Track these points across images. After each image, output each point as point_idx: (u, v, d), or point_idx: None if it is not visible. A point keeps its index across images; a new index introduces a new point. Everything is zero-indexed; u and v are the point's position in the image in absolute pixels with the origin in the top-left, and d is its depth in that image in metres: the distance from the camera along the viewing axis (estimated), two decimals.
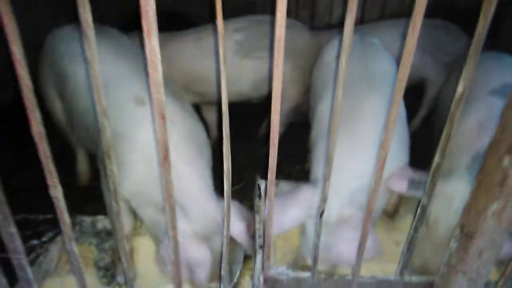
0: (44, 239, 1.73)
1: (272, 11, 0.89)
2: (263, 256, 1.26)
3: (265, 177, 1.10)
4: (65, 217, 1.04)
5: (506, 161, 0.96)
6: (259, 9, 3.39)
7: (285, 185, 1.81)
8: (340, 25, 0.84)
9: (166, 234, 1.57)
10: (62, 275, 1.74)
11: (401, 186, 1.45)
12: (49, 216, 1.85)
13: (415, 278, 1.33)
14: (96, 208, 1.85)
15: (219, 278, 1.47)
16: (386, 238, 1.86)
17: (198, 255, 1.52)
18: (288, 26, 2.76)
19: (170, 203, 1.02)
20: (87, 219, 1.84)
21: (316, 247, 1.13)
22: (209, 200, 1.54)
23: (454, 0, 3.30)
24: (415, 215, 1.14)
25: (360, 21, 3.28)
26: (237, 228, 1.52)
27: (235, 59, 2.44)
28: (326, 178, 1.02)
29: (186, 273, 1.53)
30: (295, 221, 1.48)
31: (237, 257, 1.60)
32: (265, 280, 1.21)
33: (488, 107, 1.63)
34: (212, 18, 0.88)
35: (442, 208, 1.46)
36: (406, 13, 2.85)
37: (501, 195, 1.00)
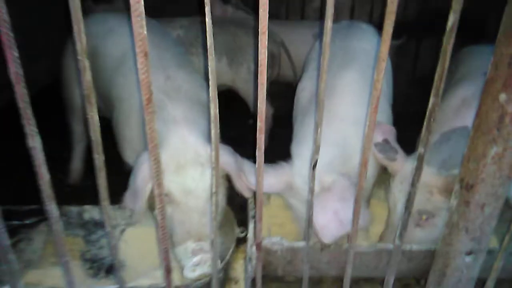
0: (27, 222, 1.65)
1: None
2: (255, 226, 1.20)
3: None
4: (43, 171, 0.98)
5: (502, 98, 0.93)
6: None
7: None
8: None
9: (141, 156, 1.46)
10: (45, 267, 1.65)
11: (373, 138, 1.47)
12: (34, 206, 1.78)
13: (415, 246, 1.26)
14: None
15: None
16: (383, 223, 1.79)
17: (141, 181, 1.43)
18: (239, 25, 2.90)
19: (154, 155, 0.97)
20: (74, 209, 1.77)
21: (309, 206, 1.08)
22: (192, 131, 1.47)
23: (441, 4, 3.38)
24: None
25: None
26: (228, 162, 1.44)
27: None
28: (318, 124, 0.98)
29: (130, 200, 1.50)
30: (271, 188, 1.49)
31: (229, 237, 1.53)
32: (257, 248, 1.14)
33: (476, 86, 1.63)
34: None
35: (397, 187, 1.47)
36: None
37: (499, 137, 0.97)
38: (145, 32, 0.86)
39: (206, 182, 1.42)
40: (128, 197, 1.53)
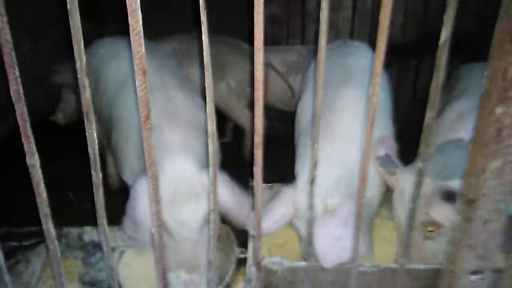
0: (25, 243, 1.63)
1: None
2: (255, 245, 1.18)
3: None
4: (40, 189, 0.98)
5: (498, 111, 0.93)
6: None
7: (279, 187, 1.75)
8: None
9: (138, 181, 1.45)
10: None
11: (376, 152, 1.46)
12: (34, 228, 1.77)
13: (420, 266, 1.23)
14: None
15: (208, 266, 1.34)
16: (389, 241, 1.75)
17: (140, 214, 1.41)
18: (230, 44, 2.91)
19: (152, 171, 0.97)
20: (73, 231, 1.75)
21: (309, 224, 1.06)
22: (187, 161, 1.46)
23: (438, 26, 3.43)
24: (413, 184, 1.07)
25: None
26: (225, 200, 1.43)
27: None
28: (314, 141, 0.98)
29: (130, 228, 1.50)
30: (282, 219, 1.46)
31: (230, 258, 1.50)
32: (257, 268, 1.12)
33: (472, 100, 1.63)
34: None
35: (397, 202, 1.45)
36: (394, 36, 2.95)
37: (498, 150, 0.96)
38: (143, 50, 0.88)
39: (199, 213, 1.43)
40: (128, 225, 1.52)
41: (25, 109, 0.92)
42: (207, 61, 0.89)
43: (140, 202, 1.41)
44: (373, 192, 1.50)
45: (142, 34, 0.86)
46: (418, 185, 1.04)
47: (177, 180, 1.41)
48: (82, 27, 0.84)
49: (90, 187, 1.05)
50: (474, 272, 1.12)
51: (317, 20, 3.38)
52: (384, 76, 1.81)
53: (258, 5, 0.83)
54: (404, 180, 1.39)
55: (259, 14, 0.84)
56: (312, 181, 1.03)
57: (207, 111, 0.94)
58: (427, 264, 1.25)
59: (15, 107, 0.90)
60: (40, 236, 1.68)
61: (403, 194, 1.38)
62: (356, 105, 1.59)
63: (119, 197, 2.47)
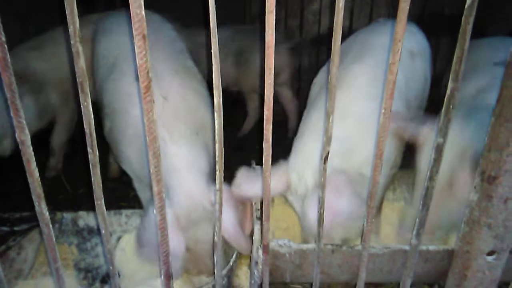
0: (17, 228, 1.56)
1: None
2: (261, 227, 1.12)
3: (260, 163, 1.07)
4: (32, 168, 0.90)
5: None
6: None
7: None
8: (330, 34, 0.83)
9: (148, 211, 1.43)
10: (36, 277, 1.55)
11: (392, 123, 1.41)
12: (26, 213, 1.69)
13: (432, 247, 1.19)
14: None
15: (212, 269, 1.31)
16: (394, 225, 1.71)
17: (171, 246, 1.37)
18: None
19: (153, 149, 0.90)
20: (67, 216, 1.68)
21: (321, 203, 1.00)
22: (196, 182, 1.41)
23: (440, 7, 3.36)
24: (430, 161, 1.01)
25: (348, 30, 3.30)
26: (226, 219, 1.38)
27: None
28: (329, 113, 0.91)
29: (145, 254, 1.43)
30: (272, 190, 1.39)
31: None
32: (264, 251, 1.05)
33: (489, 76, 1.57)
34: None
35: (423, 158, 1.40)
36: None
37: None
38: (143, 13, 0.79)
39: (211, 230, 1.47)
40: (144, 250, 1.44)
41: (13, 79, 0.83)
42: (215, 49, 0.82)
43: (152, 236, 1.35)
44: (383, 172, 1.44)
45: None
46: (437, 162, 0.98)
47: (191, 207, 1.40)
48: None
49: (84, 173, 0.97)
50: (490, 253, 1.07)
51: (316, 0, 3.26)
52: (416, 56, 1.71)
53: None
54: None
55: None
56: (325, 158, 0.96)
57: (214, 83, 0.86)
58: (439, 245, 1.20)
59: (2, 75, 0.82)
60: (32, 222, 1.60)
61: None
62: (362, 80, 1.52)
63: (117, 183, 2.41)
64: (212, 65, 0.87)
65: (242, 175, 1.45)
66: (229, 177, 1.54)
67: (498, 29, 2.73)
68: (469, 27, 0.85)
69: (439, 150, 0.97)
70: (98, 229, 1.71)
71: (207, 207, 1.42)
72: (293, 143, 1.57)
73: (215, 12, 0.84)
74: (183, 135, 1.47)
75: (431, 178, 1.03)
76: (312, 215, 1.31)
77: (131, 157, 1.59)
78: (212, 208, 1.42)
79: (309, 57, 3.53)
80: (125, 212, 1.72)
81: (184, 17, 2.87)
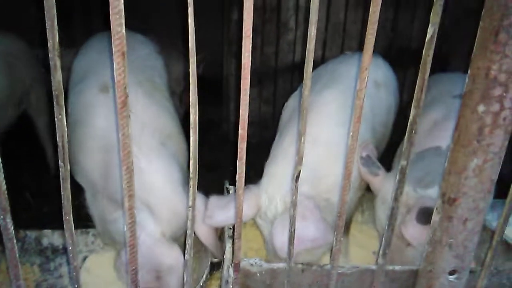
0: None
1: None
2: (233, 246, 1.13)
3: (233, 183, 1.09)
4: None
5: (481, 109, 0.94)
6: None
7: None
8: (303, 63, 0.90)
9: (124, 243, 1.40)
10: None
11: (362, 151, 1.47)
12: None
13: (398, 267, 1.23)
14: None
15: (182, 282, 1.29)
16: (364, 247, 1.75)
17: (170, 259, 1.35)
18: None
19: (126, 164, 0.90)
20: (31, 234, 1.62)
21: (292, 221, 1.02)
22: (178, 197, 1.41)
23: (407, 42, 3.57)
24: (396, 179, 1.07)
25: (321, 59, 3.44)
26: (204, 229, 1.39)
27: None
28: (302, 133, 0.95)
29: (153, 282, 1.34)
30: (244, 216, 1.43)
31: (203, 263, 1.43)
32: (235, 269, 1.06)
33: (447, 108, 1.68)
34: None
35: (380, 208, 1.47)
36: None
37: (479, 148, 0.97)
38: (124, 31, 0.82)
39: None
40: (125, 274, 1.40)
41: None
42: (192, 44, 0.85)
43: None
44: (350, 195, 1.49)
45: (122, 13, 0.80)
46: (401, 184, 1.03)
47: (177, 221, 1.42)
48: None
49: (49, 190, 0.96)
50: (452, 272, 1.12)
51: (292, 30, 3.39)
52: (381, 89, 1.81)
53: None
54: (388, 185, 1.40)
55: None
56: (297, 177, 1.00)
57: (191, 99, 0.89)
58: (405, 266, 1.24)
59: None
60: None
61: (386, 199, 1.39)
62: (332, 107, 1.59)
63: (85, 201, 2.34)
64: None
65: (213, 204, 1.45)
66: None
67: (460, 65, 2.92)
68: (429, 59, 0.92)
69: (402, 172, 1.02)
70: (63, 248, 1.65)
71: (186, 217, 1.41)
72: (265, 166, 1.60)
73: (194, 33, 0.87)
74: (151, 148, 1.48)
75: (396, 199, 1.08)
76: (278, 241, 1.32)
77: (89, 168, 1.56)
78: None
79: (283, 83, 3.63)
80: (92, 231, 1.68)
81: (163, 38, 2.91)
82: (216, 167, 3.08)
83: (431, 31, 0.90)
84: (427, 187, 1.35)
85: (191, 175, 0.96)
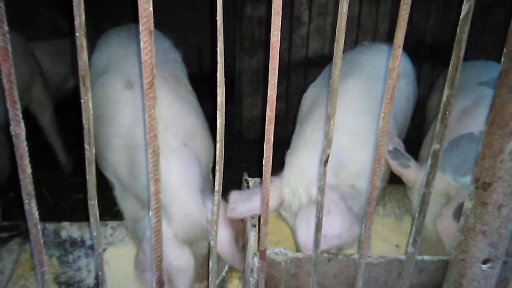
0: None
1: None
2: (259, 233, 1.10)
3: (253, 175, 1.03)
4: (25, 163, 0.87)
5: None
6: None
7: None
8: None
9: (149, 231, 1.39)
10: None
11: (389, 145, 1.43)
12: (6, 223, 1.61)
13: (427, 257, 1.19)
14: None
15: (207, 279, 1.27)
16: (386, 240, 1.71)
17: (180, 261, 1.33)
18: None
19: (153, 146, 0.88)
20: (50, 227, 1.61)
21: (319, 208, 0.99)
22: (193, 200, 1.39)
23: (423, 36, 3.52)
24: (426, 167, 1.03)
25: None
26: (221, 237, 1.36)
27: None
28: (330, 116, 0.93)
29: (166, 284, 1.32)
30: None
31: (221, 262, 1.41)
32: (261, 257, 1.03)
33: (475, 95, 1.64)
34: None
35: (416, 197, 1.43)
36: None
37: None
38: (151, 9, 0.80)
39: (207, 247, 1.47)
40: (147, 275, 1.38)
41: (12, 70, 0.81)
42: (220, 46, 0.83)
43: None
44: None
45: None
46: (434, 168, 1.00)
47: (190, 227, 1.39)
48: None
49: (65, 186, 0.95)
50: (485, 261, 1.08)
51: (305, 24, 3.36)
52: (403, 79, 1.77)
53: None
54: (422, 176, 1.36)
55: None
56: (325, 161, 0.97)
57: (218, 80, 0.87)
58: (434, 256, 1.20)
59: (1, 66, 0.80)
60: (12, 231, 1.53)
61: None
62: (355, 94, 1.55)
63: (99, 198, 2.34)
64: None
65: (234, 198, 1.43)
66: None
67: (476, 57, 2.87)
68: (465, 36, 0.89)
69: (435, 156, 0.99)
70: (82, 241, 1.64)
71: (204, 226, 1.40)
72: (286, 157, 1.57)
73: (222, 11, 0.85)
74: (172, 148, 1.45)
75: (428, 184, 1.04)
76: (302, 238, 1.28)
77: (116, 165, 1.55)
78: (207, 222, 1.40)
79: (296, 79, 3.60)
80: (111, 223, 1.67)
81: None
82: (229, 164, 3.07)
83: (467, 7, 0.86)
84: (466, 174, 1.31)
85: (217, 159, 0.94)
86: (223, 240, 1.37)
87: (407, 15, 0.86)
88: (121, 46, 1.77)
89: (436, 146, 0.98)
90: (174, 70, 1.74)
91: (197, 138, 1.57)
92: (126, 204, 1.58)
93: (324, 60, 3.43)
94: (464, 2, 0.88)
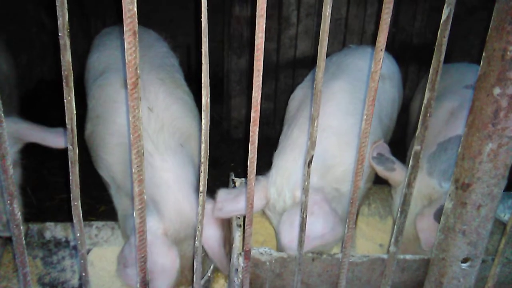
0: None
1: None
2: (243, 233, 1.11)
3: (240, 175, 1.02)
4: (6, 165, 0.86)
5: (496, 91, 0.93)
6: None
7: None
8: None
9: (133, 231, 1.38)
10: None
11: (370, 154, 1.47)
12: None
13: (409, 256, 1.21)
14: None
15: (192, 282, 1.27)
16: (370, 239, 1.74)
17: (165, 260, 1.32)
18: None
19: (137, 147, 0.88)
20: (33, 227, 1.59)
21: (304, 208, 1.00)
22: (186, 198, 1.39)
23: (409, 38, 3.57)
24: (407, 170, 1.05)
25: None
26: (212, 236, 1.36)
27: None
28: (314, 117, 0.94)
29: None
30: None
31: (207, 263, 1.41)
32: (246, 257, 1.04)
33: (461, 98, 1.67)
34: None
35: (399, 197, 1.45)
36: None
37: (495, 132, 0.96)
38: (135, 9, 0.80)
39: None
40: (128, 270, 1.36)
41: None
42: (204, 24, 0.83)
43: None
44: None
45: None
46: (415, 169, 1.02)
47: (180, 222, 1.39)
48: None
49: (49, 186, 0.94)
50: (465, 260, 1.11)
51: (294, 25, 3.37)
52: (387, 81, 1.80)
53: None
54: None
55: None
56: (309, 162, 0.98)
57: (202, 81, 0.87)
58: (416, 255, 1.23)
59: None
60: None
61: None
62: (341, 97, 1.57)
63: (86, 198, 2.31)
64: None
65: (222, 197, 1.43)
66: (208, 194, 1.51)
67: (461, 59, 2.92)
68: (445, 40, 0.91)
69: (416, 157, 1.01)
70: (66, 242, 1.63)
71: (196, 224, 1.39)
72: (273, 157, 1.58)
73: (206, 13, 0.85)
74: (168, 147, 1.45)
75: (409, 185, 1.07)
76: (286, 239, 1.29)
77: (111, 164, 1.54)
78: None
79: (285, 79, 3.61)
80: (96, 224, 1.66)
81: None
82: (216, 164, 3.07)
83: (447, 11, 0.88)
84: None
85: (202, 160, 0.95)
86: (213, 239, 1.38)
87: (389, 19, 0.88)
88: (119, 46, 1.77)
89: (417, 147, 1.00)
90: (172, 73, 1.74)
91: (192, 140, 1.58)
92: (119, 202, 1.57)
93: (312, 61, 3.45)
94: (445, 7, 0.90)
